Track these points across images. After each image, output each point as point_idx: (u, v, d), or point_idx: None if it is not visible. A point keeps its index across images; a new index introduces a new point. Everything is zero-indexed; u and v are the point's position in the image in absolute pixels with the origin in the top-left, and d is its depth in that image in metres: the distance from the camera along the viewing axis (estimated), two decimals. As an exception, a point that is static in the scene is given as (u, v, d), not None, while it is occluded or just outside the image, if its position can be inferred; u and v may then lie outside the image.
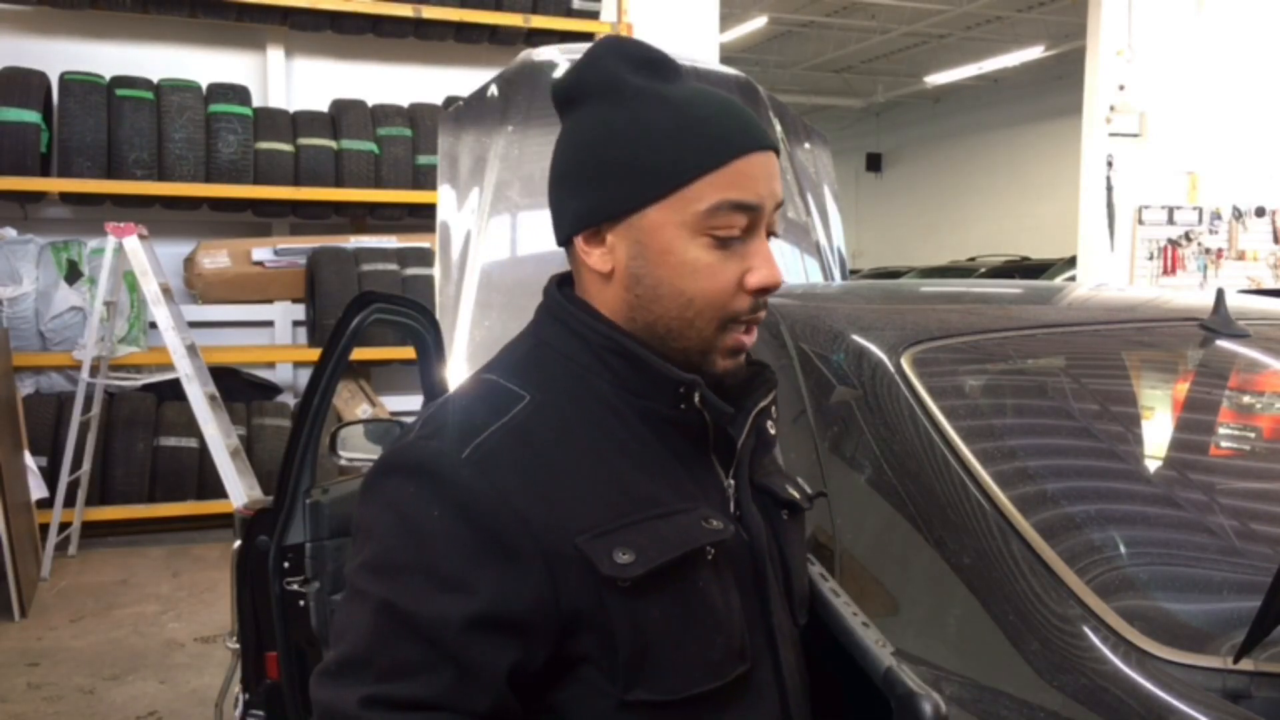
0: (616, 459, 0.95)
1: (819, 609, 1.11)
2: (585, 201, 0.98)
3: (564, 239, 1.02)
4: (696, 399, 0.96)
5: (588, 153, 0.97)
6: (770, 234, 0.99)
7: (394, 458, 0.93)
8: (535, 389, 0.96)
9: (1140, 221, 7.89)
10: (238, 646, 2.44)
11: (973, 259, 13.00)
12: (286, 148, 6.19)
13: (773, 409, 1.11)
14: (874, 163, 19.77)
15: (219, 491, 5.10)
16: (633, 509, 0.93)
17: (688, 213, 0.94)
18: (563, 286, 1.04)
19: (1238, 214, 8.03)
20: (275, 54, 6.70)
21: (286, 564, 2.28)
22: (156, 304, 5.02)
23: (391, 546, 0.89)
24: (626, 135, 0.96)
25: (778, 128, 2.76)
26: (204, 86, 6.16)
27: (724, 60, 5.75)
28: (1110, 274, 7.84)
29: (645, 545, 0.91)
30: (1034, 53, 14.03)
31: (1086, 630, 1.07)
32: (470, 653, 0.86)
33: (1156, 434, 1.62)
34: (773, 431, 1.12)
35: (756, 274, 0.96)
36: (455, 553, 0.87)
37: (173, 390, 5.50)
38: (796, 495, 1.10)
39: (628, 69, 0.98)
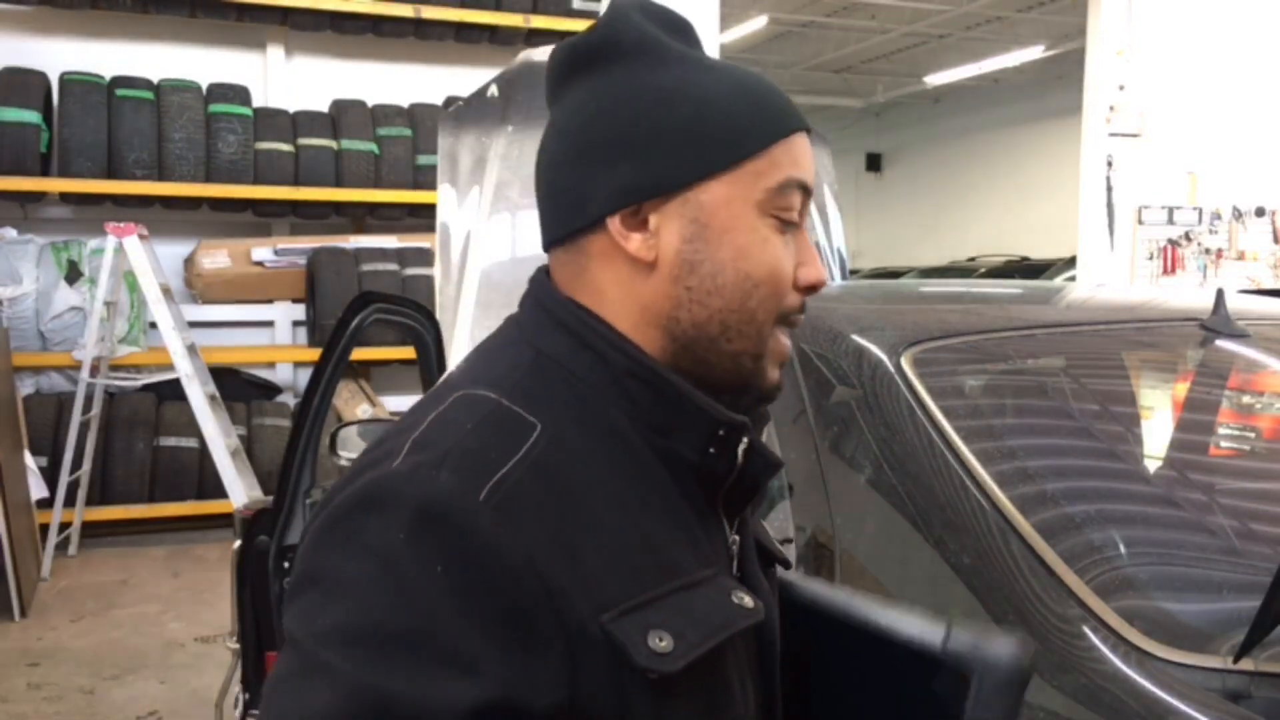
0: (639, 510, 0.76)
1: (835, 622, 0.91)
2: (630, 174, 0.80)
3: (587, 222, 0.81)
4: (742, 447, 0.80)
5: (634, 118, 0.80)
6: None
7: (375, 490, 0.70)
8: (544, 415, 0.76)
9: (1140, 221, 7.89)
10: (238, 646, 2.44)
11: (973, 259, 13.01)
12: (286, 148, 6.19)
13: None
14: (874, 163, 19.76)
15: (219, 491, 5.11)
16: (660, 576, 0.74)
17: (757, 188, 0.81)
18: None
19: (1238, 214, 8.03)
20: (275, 54, 6.70)
21: (286, 564, 2.29)
22: (156, 304, 5.03)
23: (376, 608, 0.66)
24: (684, 99, 0.80)
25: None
26: (204, 86, 6.17)
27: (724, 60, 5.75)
28: (1110, 274, 7.84)
29: (682, 627, 0.71)
30: (1034, 53, 14.03)
31: (1086, 630, 1.07)
32: None
33: (1156, 434, 1.62)
34: None
35: (808, 269, 0.83)
36: (463, 622, 0.66)
37: (173, 390, 5.51)
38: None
39: (661, 30, 0.84)
